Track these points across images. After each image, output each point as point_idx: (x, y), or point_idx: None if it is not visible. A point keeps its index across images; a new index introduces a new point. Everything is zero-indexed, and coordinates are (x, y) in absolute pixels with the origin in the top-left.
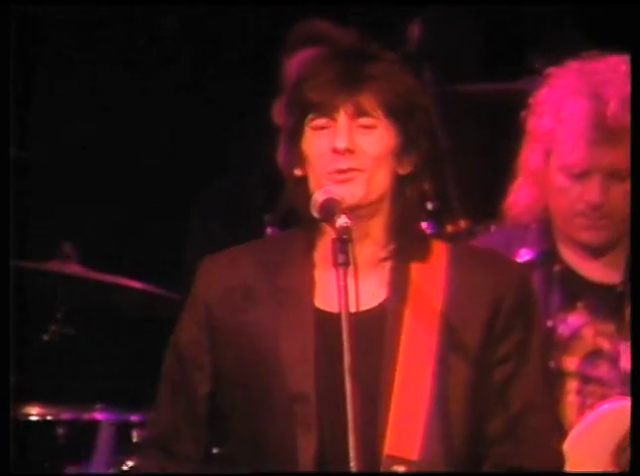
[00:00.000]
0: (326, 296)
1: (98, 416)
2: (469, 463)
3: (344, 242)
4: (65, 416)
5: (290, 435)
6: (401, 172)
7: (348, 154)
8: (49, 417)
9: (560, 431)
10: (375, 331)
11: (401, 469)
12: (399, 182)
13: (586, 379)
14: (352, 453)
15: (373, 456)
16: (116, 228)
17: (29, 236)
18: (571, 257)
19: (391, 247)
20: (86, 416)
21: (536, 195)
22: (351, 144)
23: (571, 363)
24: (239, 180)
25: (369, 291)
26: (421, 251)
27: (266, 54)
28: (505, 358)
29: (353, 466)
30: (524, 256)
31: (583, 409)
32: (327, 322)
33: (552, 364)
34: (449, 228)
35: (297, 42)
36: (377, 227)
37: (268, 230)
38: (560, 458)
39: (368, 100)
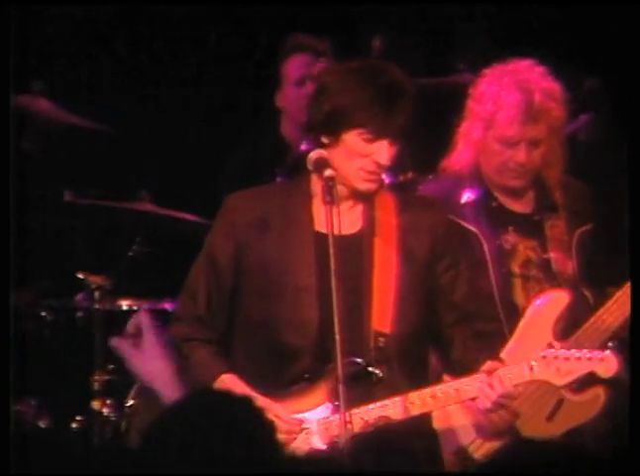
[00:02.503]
0: (322, 222)
1: (167, 306)
2: (426, 335)
3: (330, 187)
4: (145, 305)
5: (299, 313)
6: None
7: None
8: (134, 307)
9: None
10: (357, 248)
11: (381, 339)
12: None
13: (526, 278)
14: (336, 324)
15: (360, 332)
16: (179, 175)
17: (118, 185)
18: (500, 196)
19: (362, 197)
20: (160, 305)
21: (474, 157)
22: (388, 160)
23: (515, 267)
24: (255, 144)
25: (350, 221)
26: (378, 198)
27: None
28: (448, 267)
29: (336, 333)
30: (470, 196)
31: (528, 299)
32: (322, 239)
33: (504, 270)
34: (401, 178)
35: (288, 50)
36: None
37: (278, 179)
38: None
39: (401, 129)
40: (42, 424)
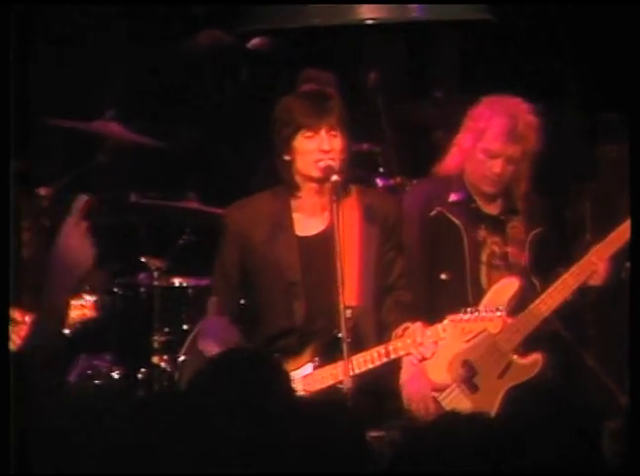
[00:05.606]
0: (301, 227)
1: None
2: (380, 305)
3: (337, 189)
4: (192, 282)
5: (288, 304)
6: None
7: (328, 152)
8: (184, 284)
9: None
10: (327, 243)
11: (349, 311)
12: (346, 158)
13: (490, 266)
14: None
15: (333, 307)
16: (219, 180)
17: (171, 188)
18: (478, 200)
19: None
20: (203, 282)
21: (461, 162)
22: (330, 146)
23: (483, 257)
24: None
25: (321, 221)
26: (344, 198)
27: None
28: (390, 249)
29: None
30: (455, 198)
31: (490, 283)
32: (305, 242)
33: (476, 259)
34: (391, 181)
35: (302, 81)
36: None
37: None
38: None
39: (334, 122)
40: (115, 375)
